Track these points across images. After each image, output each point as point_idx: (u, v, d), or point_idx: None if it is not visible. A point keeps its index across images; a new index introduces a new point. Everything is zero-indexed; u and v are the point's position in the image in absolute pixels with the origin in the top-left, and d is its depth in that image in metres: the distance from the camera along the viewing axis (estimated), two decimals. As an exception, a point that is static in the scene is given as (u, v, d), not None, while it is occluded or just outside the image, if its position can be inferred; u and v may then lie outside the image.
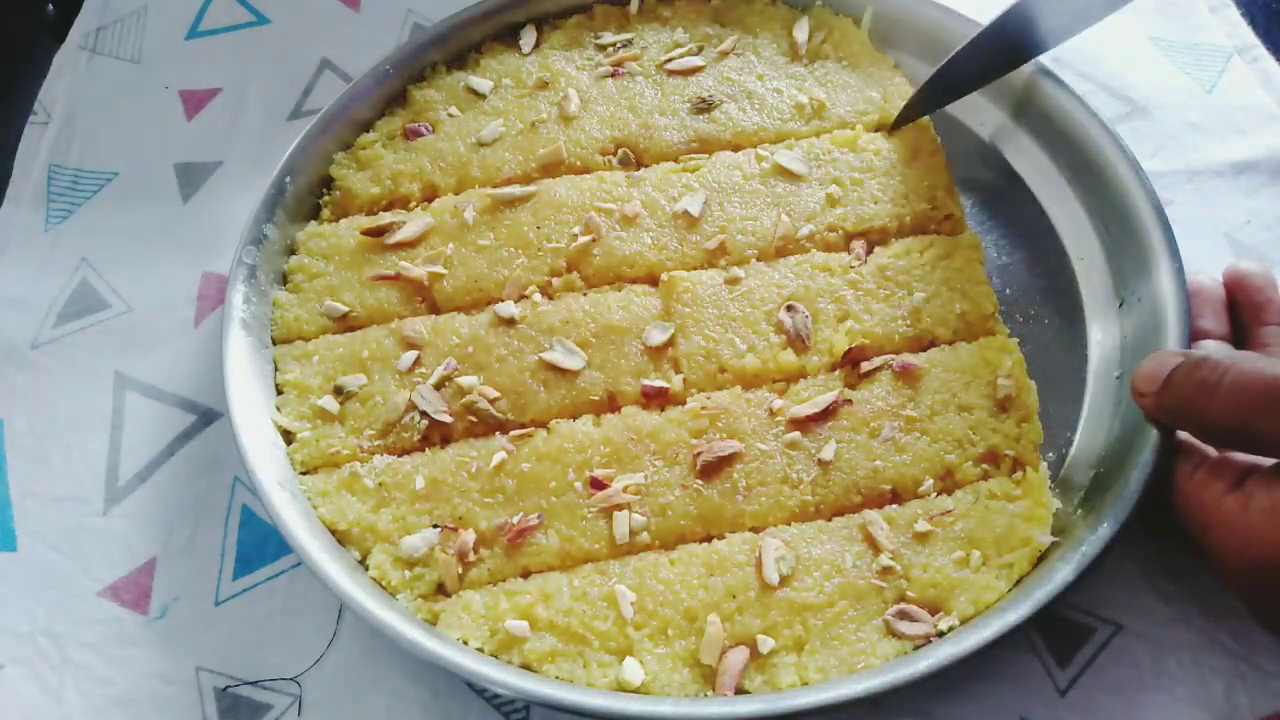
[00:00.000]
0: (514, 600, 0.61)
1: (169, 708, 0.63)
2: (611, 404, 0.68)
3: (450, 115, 0.80)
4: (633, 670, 0.58)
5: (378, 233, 0.74)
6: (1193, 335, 0.65)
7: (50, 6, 0.99)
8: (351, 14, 0.94)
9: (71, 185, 0.85)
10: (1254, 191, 0.79)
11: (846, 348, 0.67)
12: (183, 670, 0.64)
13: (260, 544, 0.68)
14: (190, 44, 0.93)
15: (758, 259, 0.72)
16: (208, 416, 0.73)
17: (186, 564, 0.68)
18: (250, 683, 0.63)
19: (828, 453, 0.64)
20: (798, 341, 0.68)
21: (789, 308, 0.69)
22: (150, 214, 0.83)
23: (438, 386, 0.68)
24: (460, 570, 0.62)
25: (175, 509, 0.70)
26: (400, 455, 0.67)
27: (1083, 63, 0.86)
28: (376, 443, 0.67)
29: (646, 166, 0.77)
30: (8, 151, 0.86)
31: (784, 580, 0.60)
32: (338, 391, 0.69)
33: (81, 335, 0.77)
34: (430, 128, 0.79)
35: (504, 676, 0.57)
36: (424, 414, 0.67)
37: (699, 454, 0.64)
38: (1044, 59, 0.78)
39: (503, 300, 0.71)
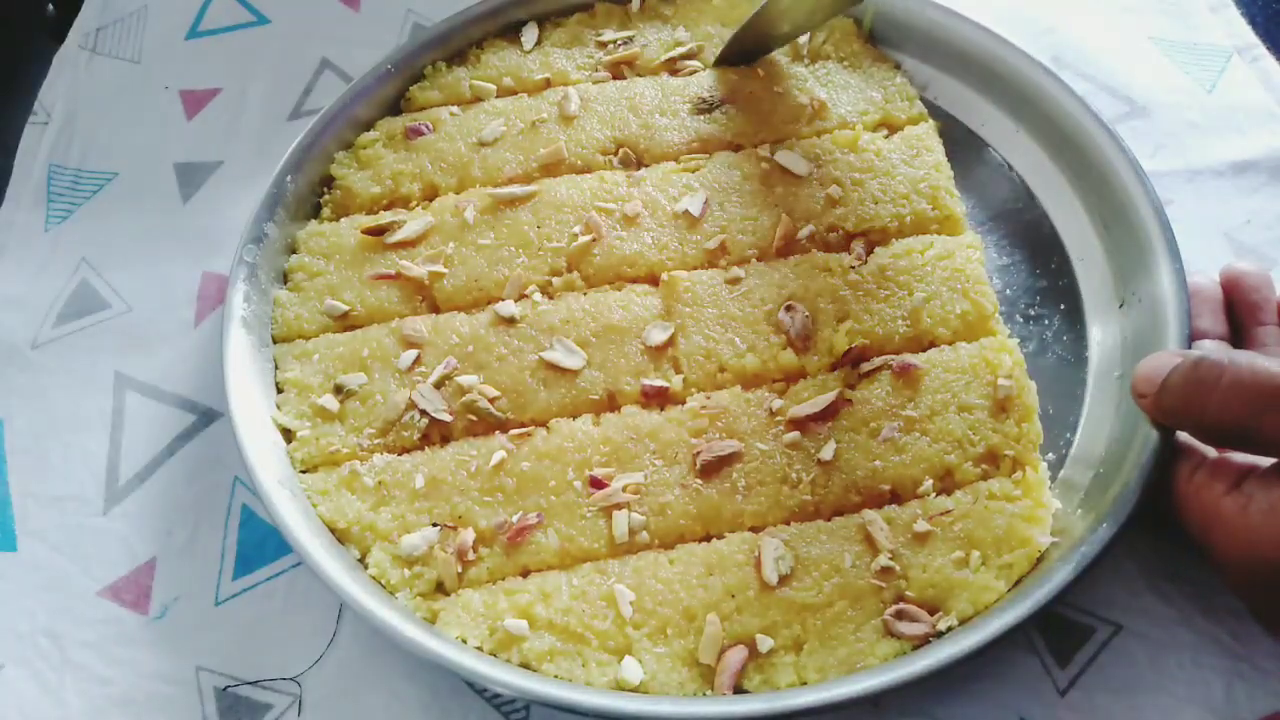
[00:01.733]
0: (513, 599, 0.61)
1: (169, 708, 0.63)
2: (611, 403, 0.68)
3: (451, 114, 0.80)
4: (631, 669, 0.58)
5: (378, 232, 0.74)
6: (1192, 336, 0.65)
7: (50, 6, 0.99)
8: (351, 14, 0.94)
9: (71, 185, 0.85)
10: (1254, 191, 0.79)
11: (846, 348, 0.67)
12: (183, 670, 0.64)
13: (260, 544, 0.68)
14: (190, 44, 0.93)
15: (758, 259, 0.72)
16: (208, 416, 0.73)
17: (186, 564, 0.68)
18: (250, 683, 0.63)
19: (827, 453, 0.64)
20: (798, 341, 0.68)
21: (789, 308, 0.69)
22: (150, 214, 0.83)
23: (438, 385, 0.68)
24: (459, 569, 0.62)
25: (175, 509, 0.70)
26: (400, 454, 0.67)
27: (1083, 63, 0.86)
28: (376, 441, 0.67)
29: (647, 166, 0.77)
30: (8, 151, 0.87)
31: (783, 580, 0.60)
32: (338, 390, 0.69)
33: (81, 335, 0.77)
34: (431, 127, 0.80)
35: (503, 675, 0.57)
36: (424, 413, 0.67)
37: (699, 453, 0.64)
38: (1044, 59, 0.78)
39: (503, 299, 0.71)
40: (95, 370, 0.75)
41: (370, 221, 0.75)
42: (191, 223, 0.82)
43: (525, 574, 0.62)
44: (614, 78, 0.82)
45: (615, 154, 0.78)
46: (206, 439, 0.72)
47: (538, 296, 0.71)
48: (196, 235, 0.81)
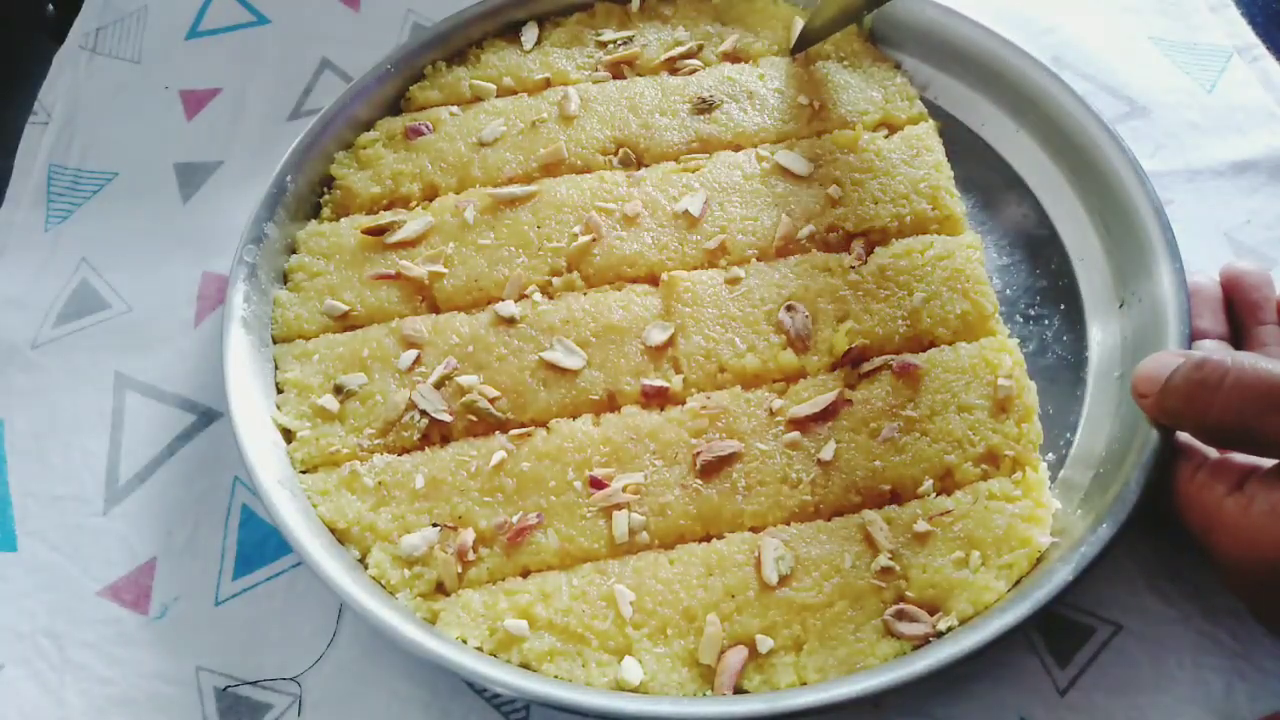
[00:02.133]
0: (513, 599, 0.61)
1: (169, 708, 0.63)
2: (611, 403, 0.68)
3: (451, 114, 0.80)
4: (631, 670, 0.58)
5: (378, 232, 0.74)
6: (1192, 335, 0.65)
7: (50, 6, 0.99)
8: (351, 14, 0.94)
9: (71, 185, 0.85)
10: (1254, 191, 0.79)
11: (846, 348, 0.67)
12: (183, 670, 0.64)
13: (260, 544, 0.68)
14: (190, 44, 0.93)
15: (758, 259, 0.72)
16: (208, 416, 0.73)
17: (186, 564, 0.68)
18: (250, 683, 0.63)
19: (827, 453, 0.64)
20: (798, 341, 0.68)
21: (789, 308, 0.69)
22: (150, 214, 0.83)
23: (438, 385, 0.68)
24: (459, 569, 0.62)
25: (175, 509, 0.70)
26: (400, 454, 0.67)
27: (1083, 63, 0.86)
28: (376, 441, 0.67)
29: (647, 166, 0.77)
30: (8, 151, 0.87)
31: (783, 580, 0.60)
32: (338, 390, 0.69)
33: (81, 335, 0.77)
34: (431, 127, 0.80)
35: (503, 676, 0.57)
36: (424, 413, 0.67)
37: (699, 454, 0.64)
38: (1044, 59, 0.78)
39: (503, 299, 0.71)
40: (95, 370, 0.75)
41: (370, 221, 0.75)
42: (191, 223, 0.82)
43: (525, 574, 0.62)
44: (614, 78, 0.82)
45: (615, 154, 0.78)
46: (206, 439, 0.72)
47: (538, 296, 0.71)
48: (196, 235, 0.81)
